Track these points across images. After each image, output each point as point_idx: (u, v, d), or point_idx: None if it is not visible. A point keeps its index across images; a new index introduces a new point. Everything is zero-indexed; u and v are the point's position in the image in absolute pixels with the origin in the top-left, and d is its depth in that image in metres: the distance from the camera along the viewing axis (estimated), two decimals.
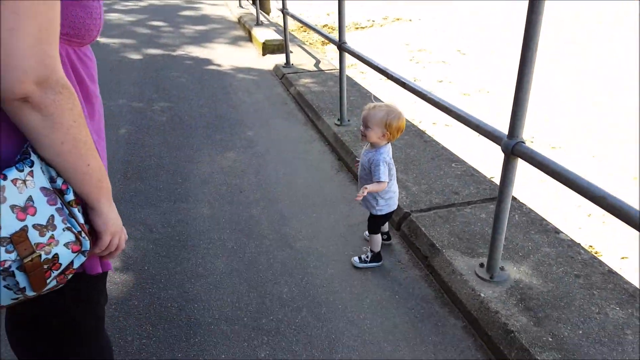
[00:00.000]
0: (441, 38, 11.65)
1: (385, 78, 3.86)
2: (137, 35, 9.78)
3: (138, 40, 9.37)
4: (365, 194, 2.76)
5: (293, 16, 6.91)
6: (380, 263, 3.19)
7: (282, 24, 7.46)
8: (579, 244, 3.12)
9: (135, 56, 8.31)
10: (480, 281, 2.80)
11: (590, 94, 8.08)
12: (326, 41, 8.74)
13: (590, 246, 4.62)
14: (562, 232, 3.22)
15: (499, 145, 2.54)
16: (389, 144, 2.88)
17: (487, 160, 5.43)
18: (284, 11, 7.09)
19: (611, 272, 2.85)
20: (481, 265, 2.89)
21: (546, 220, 3.37)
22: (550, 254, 3.00)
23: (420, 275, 3.12)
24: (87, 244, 1.26)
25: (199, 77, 7.26)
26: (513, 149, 2.44)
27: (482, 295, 2.70)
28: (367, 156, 2.87)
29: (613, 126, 6.96)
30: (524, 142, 2.44)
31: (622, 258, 4.49)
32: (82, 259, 1.27)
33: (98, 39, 1.37)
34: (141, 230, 3.62)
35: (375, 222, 3.12)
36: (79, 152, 1.16)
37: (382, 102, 2.92)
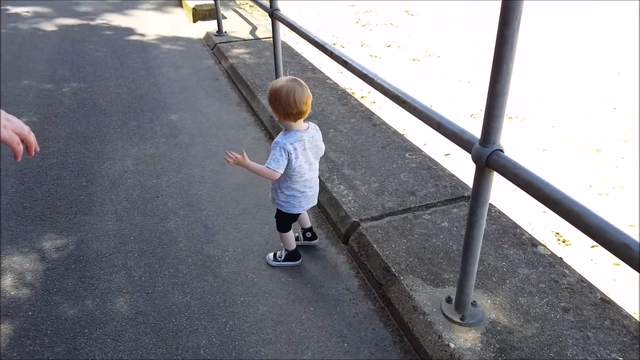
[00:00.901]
0: None
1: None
2: (52, 2, 8.68)
3: (54, 8, 8.31)
4: (234, 159, 2.35)
5: None
6: (297, 262, 2.82)
7: None
8: (561, 259, 2.59)
9: (50, 27, 7.31)
10: (449, 323, 2.23)
11: (549, 67, 7.61)
12: None
13: (557, 233, 4.16)
14: (539, 245, 2.68)
15: (468, 152, 1.90)
16: (305, 132, 2.40)
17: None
18: None
19: (604, 300, 2.31)
20: (448, 300, 2.31)
21: (520, 228, 2.83)
22: (530, 278, 2.45)
23: (373, 310, 2.54)
24: None
25: (120, 50, 6.38)
26: (488, 159, 1.79)
27: (452, 345, 2.13)
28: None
29: (571, 97, 6.51)
30: (502, 151, 1.79)
31: (592, 247, 4.05)
32: None
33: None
34: (30, 258, 2.91)
35: (281, 217, 2.67)
36: None
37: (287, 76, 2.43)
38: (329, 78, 5.15)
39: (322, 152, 2.54)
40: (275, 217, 2.71)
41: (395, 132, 3.95)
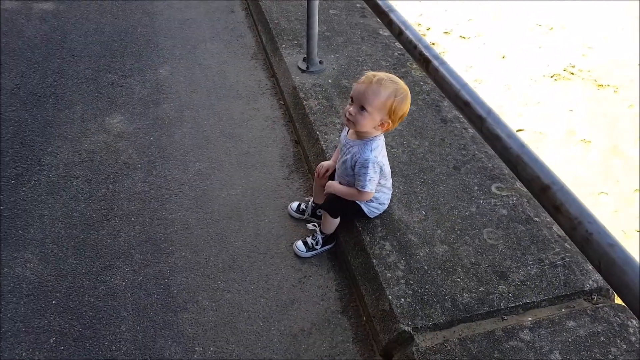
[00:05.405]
0: None
1: None
2: None
3: None
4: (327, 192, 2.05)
5: None
6: (333, 244, 2.25)
7: None
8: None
9: None
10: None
11: None
12: None
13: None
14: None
15: None
16: (382, 134, 1.94)
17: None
18: None
19: None
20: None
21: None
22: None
23: None
24: None
25: None
26: None
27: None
28: (350, 150, 1.95)
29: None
30: None
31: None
32: None
33: None
34: None
35: (350, 211, 2.11)
36: None
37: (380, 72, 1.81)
38: (382, 27, 3.69)
39: None
40: (338, 208, 2.08)
41: (474, 138, 2.62)
